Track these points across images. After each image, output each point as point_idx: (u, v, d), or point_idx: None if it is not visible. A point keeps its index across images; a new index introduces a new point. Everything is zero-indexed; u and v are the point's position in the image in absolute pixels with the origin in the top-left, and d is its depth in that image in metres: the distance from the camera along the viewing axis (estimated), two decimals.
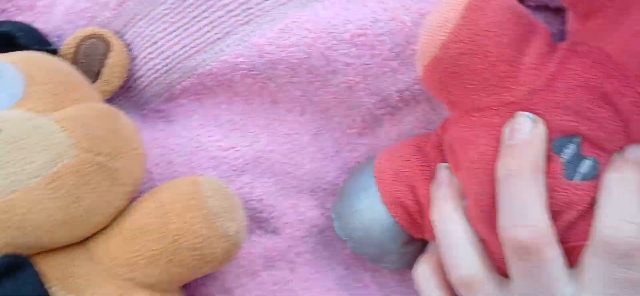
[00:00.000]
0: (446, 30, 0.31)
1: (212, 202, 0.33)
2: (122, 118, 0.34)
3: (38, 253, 0.32)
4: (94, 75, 0.37)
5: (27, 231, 0.30)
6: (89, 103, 0.35)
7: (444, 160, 0.35)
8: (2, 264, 0.30)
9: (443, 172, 0.34)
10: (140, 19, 0.37)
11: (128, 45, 0.38)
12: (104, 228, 0.34)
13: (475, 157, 0.32)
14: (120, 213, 0.34)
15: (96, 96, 0.36)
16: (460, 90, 0.32)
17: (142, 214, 0.33)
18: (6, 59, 0.33)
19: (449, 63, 0.31)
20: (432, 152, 0.35)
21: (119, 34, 0.38)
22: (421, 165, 0.35)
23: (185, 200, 0.33)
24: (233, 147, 0.38)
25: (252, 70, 0.36)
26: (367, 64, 0.35)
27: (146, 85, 0.39)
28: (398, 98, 0.37)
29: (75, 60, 0.37)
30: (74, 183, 0.30)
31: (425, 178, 0.35)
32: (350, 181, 0.38)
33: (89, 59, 0.38)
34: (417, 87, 0.36)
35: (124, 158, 0.33)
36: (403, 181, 0.35)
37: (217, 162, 0.38)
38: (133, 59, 0.38)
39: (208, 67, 0.37)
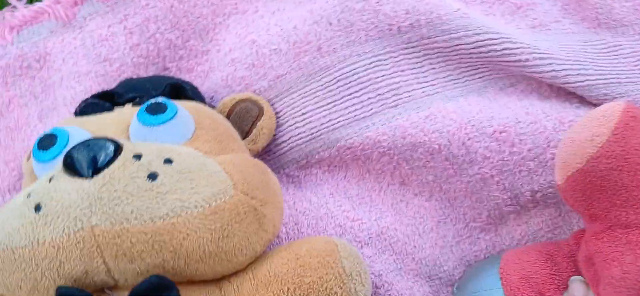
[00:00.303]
0: (596, 145, 0.30)
1: (346, 263, 0.33)
2: (270, 173, 0.36)
3: (177, 283, 0.33)
4: (242, 134, 0.40)
5: (180, 257, 0.31)
6: (243, 154, 0.37)
7: (576, 272, 0.34)
8: (152, 283, 0.31)
9: (578, 285, 0.33)
10: (294, 92, 0.40)
11: (277, 113, 0.41)
12: (238, 272, 0.34)
13: (619, 274, 0.31)
14: (255, 260, 0.34)
15: (247, 150, 0.39)
16: (604, 205, 0.31)
17: (279, 263, 0.34)
18: (181, 105, 0.36)
19: (596, 177, 0.31)
20: (563, 262, 0.34)
21: (270, 102, 0.41)
22: (552, 274, 0.34)
23: (322, 256, 0.33)
24: (359, 219, 0.39)
25: (390, 150, 0.38)
26: (505, 160, 0.36)
27: (286, 151, 0.41)
28: (529, 198, 0.37)
29: (227, 118, 0.40)
30: (229, 220, 0.32)
31: (556, 288, 0.34)
32: (473, 279, 0.37)
33: (241, 119, 0.40)
34: (550, 190, 0.37)
35: (270, 207, 0.34)
36: (532, 287, 0.34)
37: (342, 230, 0.39)
38: (279, 125, 0.41)
39: (350, 141, 0.39)
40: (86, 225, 0.30)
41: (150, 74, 0.45)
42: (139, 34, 0.43)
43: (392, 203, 0.39)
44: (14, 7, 0.45)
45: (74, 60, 0.43)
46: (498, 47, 0.37)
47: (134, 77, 0.44)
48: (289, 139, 0.40)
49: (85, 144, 0.31)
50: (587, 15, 0.40)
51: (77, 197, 0.30)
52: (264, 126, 0.40)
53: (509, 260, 0.36)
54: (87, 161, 0.31)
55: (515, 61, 0.37)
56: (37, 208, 0.30)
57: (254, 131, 0.40)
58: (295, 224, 0.39)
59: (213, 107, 0.41)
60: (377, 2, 0.38)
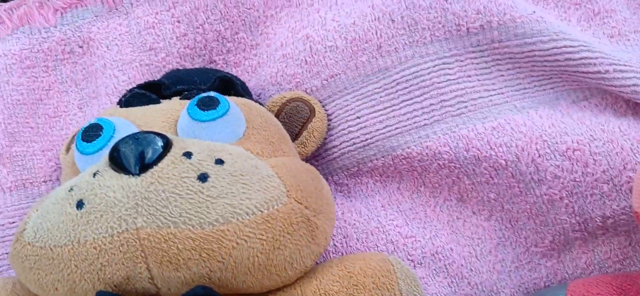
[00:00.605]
0: None
1: (403, 285, 0.30)
2: (323, 180, 0.33)
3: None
4: (291, 135, 0.38)
5: (227, 267, 0.28)
6: (296, 158, 0.34)
7: None
8: (197, 294, 0.28)
9: None
10: (349, 93, 0.37)
11: (329, 115, 0.38)
12: (285, 287, 0.32)
13: None
14: (303, 275, 0.32)
15: (297, 154, 0.36)
16: None
17: (330, 280, 0.31)
18: (232, 101, 0.34)
19: None
20: None
21: (322, 103, 0.39)
22: None
23: (376, 275, 0.31)
24: (413, 236, 0.36)
25: (451, 162, 0.35)
26: (577, 181, 0.33)
27: (337, 157, 0.38)
28: (599, 224, 0.34)
29: (276, 117, 0.38)
30: (281, 229, 0.29)
31: None
32: None
33: (291, 119, 0.38)
34: (623, 217, 0.33)
35: (323, 217, 0.31)
36: None
37: (394, 246, 0.36)
38: (330, 129, 0.38)
39: (408, 150, 0.36)
40: (131, 226, 0.27)
41: (196, 66, 0.42)
42: (187, 23, 0.40)
43: (448, 221, 0.36)
44: None
45: (119, 47, 0.41)
46: (575, 56, 0.34)
47: (180, 68, 0.41)
48: (340, 144, 0.38)
49: (134, 138, 0.29)
50: None
51: (122, 195, 0.27)
52: (315, 128, 0.37)
53: (576, 292, 0.33)
54: (134, 157, 0.28)
55: (593, 72, 0.34)
56: (80, 204, 0.28)
57: (304, 133, 0.37)
58: (344, 237, 0.36)
59: (261, 104, 0.38)
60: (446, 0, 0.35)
